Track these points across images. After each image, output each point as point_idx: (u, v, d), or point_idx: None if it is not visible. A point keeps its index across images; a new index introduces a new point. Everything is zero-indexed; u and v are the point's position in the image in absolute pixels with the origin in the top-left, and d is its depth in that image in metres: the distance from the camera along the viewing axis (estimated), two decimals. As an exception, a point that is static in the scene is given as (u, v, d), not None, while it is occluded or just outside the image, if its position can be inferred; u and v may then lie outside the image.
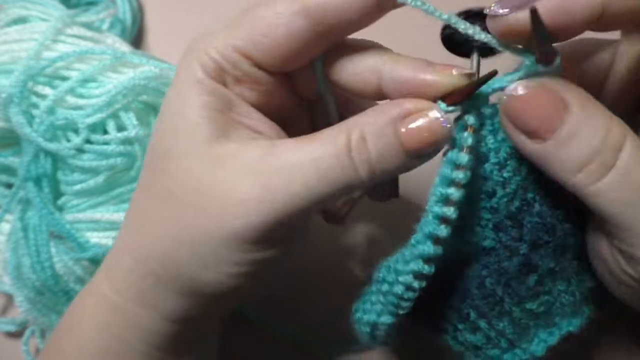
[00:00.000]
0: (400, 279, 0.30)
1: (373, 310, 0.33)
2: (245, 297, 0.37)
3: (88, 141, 0.42)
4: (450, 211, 0.29)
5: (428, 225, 0.29)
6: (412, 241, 0.30)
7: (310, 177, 0.28)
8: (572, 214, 0.31)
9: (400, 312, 0.31)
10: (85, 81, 0.43)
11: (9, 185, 0.47)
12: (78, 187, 0.43)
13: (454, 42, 0.31)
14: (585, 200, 0.27)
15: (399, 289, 0.30)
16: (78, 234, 0.42)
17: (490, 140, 0.30)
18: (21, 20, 0.45)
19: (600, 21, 0.28)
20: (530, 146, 0.28)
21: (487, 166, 0.30)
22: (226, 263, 0.30)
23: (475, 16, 0.29)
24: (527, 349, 0.32)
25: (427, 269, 0.29)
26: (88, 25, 0.46)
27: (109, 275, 0.34)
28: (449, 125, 0.28)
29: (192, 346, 0.36)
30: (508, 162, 0.30)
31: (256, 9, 0.31)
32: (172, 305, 0.33)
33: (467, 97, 0.28)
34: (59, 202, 0.45)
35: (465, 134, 0.29)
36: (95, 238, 0.42)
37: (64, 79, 0.43)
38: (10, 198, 0.44)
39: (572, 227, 0.31)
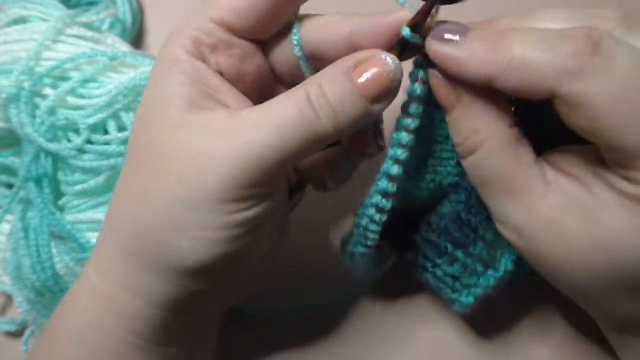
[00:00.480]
0: (365, 211, 0.34)
1: (351, 242, 0.37)
2: (233, 284, 0.36)
3: (89, 141, 0.42)
4: (402, 152, 0.33)
5: (385, 165, 0.33)
6: (375, 180, 0.34)
7: (275, 130, 0.30)
8: None
9: (369, 242, 0.35)
10: (85, 81, 0.43)
11: (9, 186, 0.47)
12: (79, 187, 0.43)
13: None
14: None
15: (363, 220, 0.35)
16: (79, 234, 0.42)
17: None
18: (21, 20, 0.45)
19: None
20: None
21: (440, 112, 0.33)
22: (202, 228, 0.31)
23: None
24: (499, 267, 0.36)
25: (384, 203, 0.34)
26: (88, 26, 0.46)
27: (95, 260, 0.35)
28: (397, 62, 0.31)
29: (179, 337, 0.36)
30: None
31: None
32: (155, 287, 0.33)
33: (423, 18, 0.31)
34: (60, 202, 0.45)
35: (415, 85, 0.32)
36: (96, 238, 0.42)
37: (65, 79, 0.43)
38: (11, 198, 0.44)
39: None
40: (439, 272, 0.37)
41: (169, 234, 0.31)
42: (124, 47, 0.45)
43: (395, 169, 0.33)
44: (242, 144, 0.30)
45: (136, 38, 0.52)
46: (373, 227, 0.35)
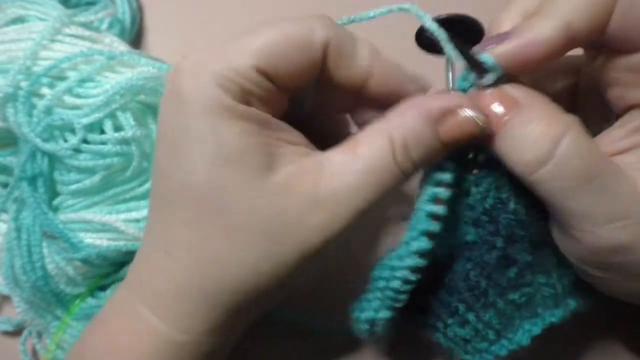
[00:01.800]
0: (397, 274, 0.33)
1: (370, 307, 0.34)
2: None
3: (85, 141, 0.42)
4: (440, 209, 0.32)
5: (420, 222, 0.32)
6: (406, 238, 0.32)
7: (367, 191, 0.30)
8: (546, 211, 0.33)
9: (398, 305, 0.34)
10: (82, 81, 0.42)
11: (7, 186, 0.47)
12: (74, 186, 0.43)
13: (427, 41, 0.32)
14: (533, 190, 0.30)
15: (396, 283, 0.33)
16: (71, 234, 0.42)
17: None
18: (19, 20, 0.45)
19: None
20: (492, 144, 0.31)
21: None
22: (295, 277, 0.32)
23: (452, 21, 0.32)
24: (513, 339, 0.34)
25: (421, 262, 0.32)
26: (86, 25, 0.45)
27: (147, 300, 0.33)
28: (482, 118, 0.30)
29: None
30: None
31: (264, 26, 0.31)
32: (238, 329, 0.35)
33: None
34: (55, 202, 0.44)
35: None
36: (89, 239, 0.42)
37: (62, 79, 0.43)
38: (5, 198, 0.44)
39: (547, 224, 0.34)
40: (450, 333, 0.36)
41: (274, 291, 0.32)
42: (122, 47, 0.45)
43: (436, 226, 0.32)
44: (335, 210, 0.31)
45: (135, 38, 0.51)
46: (406, 287, 0.33)
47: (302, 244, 0.31)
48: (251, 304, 0.33)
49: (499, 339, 0.35)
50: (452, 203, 0.33)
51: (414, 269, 0.32)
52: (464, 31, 0.32)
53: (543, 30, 0.30)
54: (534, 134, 0.29)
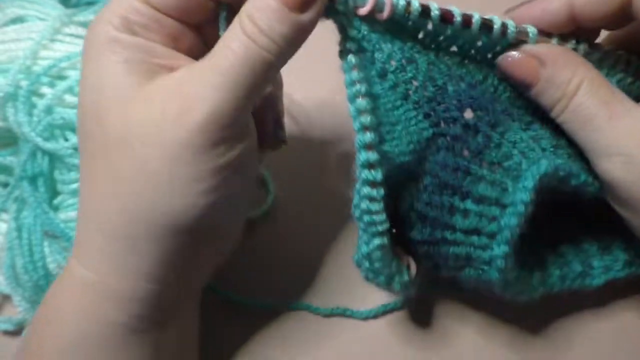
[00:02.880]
0: (360, 194, 0.34)
1: (362, 243, 0.36)
2: (217, 241, 0.37)
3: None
4: (364, 118, 0.33)
5: (357, 138, 0.33)
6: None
7: (230, 71, 0.31)
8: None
9: (379, 228, 0.34)
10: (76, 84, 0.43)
11: (7, 186, 0.47)
12: (74, 185, 0.43)
13: None
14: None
15: (363, 204, 0.34)
16: (72, 233, 0.42)
17: (379, 56, 0.34)
18: (19, 20, 0.45)
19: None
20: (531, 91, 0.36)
21: (390, 75, 0.34)
22: (187, 181, 0.32)
23: None
24: (516, 201, 0.34)
25: (373, 174, 0.33)
26: (86, 25, 0.45)
27: (78, 255, 0.35)
28: None
29: (172, 314, 0.37)
30: (405, 63, 0.35)
31: None
32: (148, 260, 0.33)
33: None
34: (55, 201, 0.45)
35: (349, 57, 0.33)
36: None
37: (62, 78, 0.43)
38: (6, 197, 0.44)
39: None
40: (459, 237, 0.35)
41: (157, 197, 0.32)
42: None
43: (368, 136, 0.33)
44: (205, 92, 0.31)
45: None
46: (375, 206, 0.34)
47: (173, 138, 0.31)
48: (147, 222, 0.33)
49: (503, 211, 0.34)
50: (390, 114, 0.35)
51: (372, 183, 0.33)
52: None
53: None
54: (559, 87, 0.35)
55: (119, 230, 0.33)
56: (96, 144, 0.33)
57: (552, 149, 0.36)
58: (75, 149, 0.42)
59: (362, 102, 0.33)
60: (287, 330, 0.45)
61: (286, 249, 0.47)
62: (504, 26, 0.35)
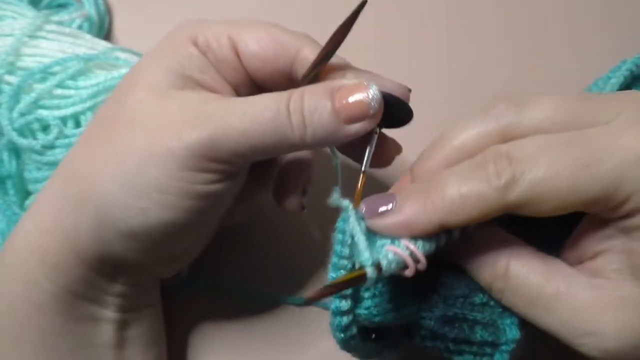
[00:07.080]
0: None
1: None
2: (166, 256, 0.36)
3: (60, 136, 0.42)
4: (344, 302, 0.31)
5: (334, 302, 0.31)
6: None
7: (250, 120, 0.31)
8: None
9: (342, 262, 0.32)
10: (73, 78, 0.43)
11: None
12: (45, 183, 0.42)
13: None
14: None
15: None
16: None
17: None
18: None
19: None
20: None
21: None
22: (161, 191, 0.31)
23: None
24: (508, 340, 0.33)
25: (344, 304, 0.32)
26: (62, 25, 0.46)
27: (34, 208, 0.35)
28: (377, 106, 0.32)
29: (105, 298, 0.36)
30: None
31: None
32: (89, 242, 0.33)
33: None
34: (27, 202, 0.44)
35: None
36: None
37: (53, 74, 0.43)
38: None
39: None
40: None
41: (126, 190, 0.32)
42: (101, 45, 0.46)
43: (344, 305, 0.31)
44: (219, 122, 0.31)
45: (104, 39, 0.52)
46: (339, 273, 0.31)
47: (160, 140, 0.31)
48: (100, 201, 0.32)
49: (495, 349, 0.34)
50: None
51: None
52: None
53: (419, 218, 0.30)
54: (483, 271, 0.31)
55: (78, 198, 0.33)
56: (108, 112, 0.34)
57: None
58: (46, 147, 0.42)
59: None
60: (278, 323, 0.45)
61: (279, 243, 0.47)
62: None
